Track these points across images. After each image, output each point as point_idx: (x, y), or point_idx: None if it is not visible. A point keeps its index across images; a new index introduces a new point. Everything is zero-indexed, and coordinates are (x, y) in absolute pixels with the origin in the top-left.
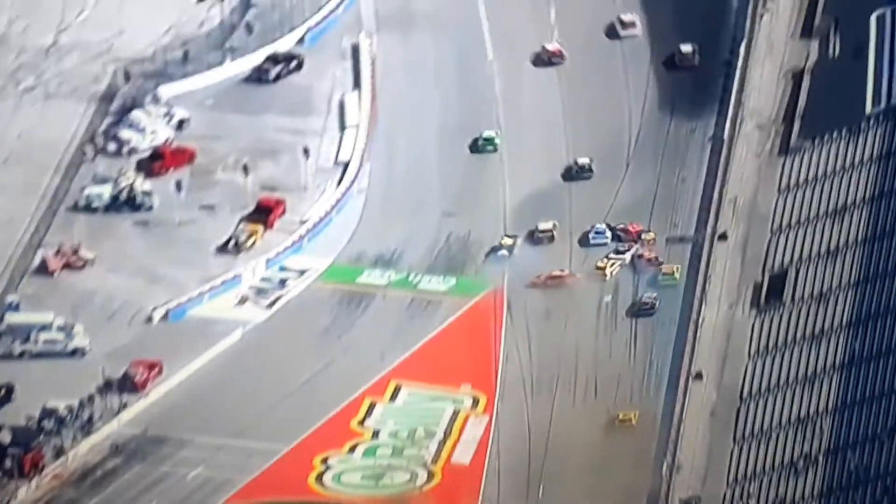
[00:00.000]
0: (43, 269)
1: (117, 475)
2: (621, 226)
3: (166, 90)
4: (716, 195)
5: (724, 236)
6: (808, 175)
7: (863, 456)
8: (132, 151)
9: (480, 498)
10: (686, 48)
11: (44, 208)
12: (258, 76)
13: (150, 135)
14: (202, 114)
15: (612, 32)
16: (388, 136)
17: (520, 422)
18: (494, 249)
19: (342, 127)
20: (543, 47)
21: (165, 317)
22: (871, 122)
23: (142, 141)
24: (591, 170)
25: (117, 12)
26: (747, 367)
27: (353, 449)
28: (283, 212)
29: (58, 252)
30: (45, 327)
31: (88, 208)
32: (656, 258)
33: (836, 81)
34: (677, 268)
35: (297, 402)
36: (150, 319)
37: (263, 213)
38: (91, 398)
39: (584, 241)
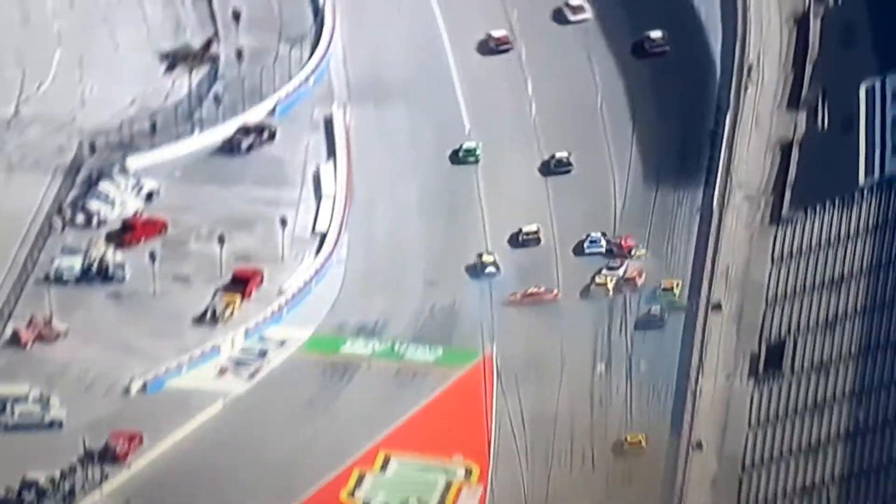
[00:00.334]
0: (15, 341)
1: None
2: (615, 240)
3: (134, 161)
4: (707, 265)
5: (718, 306)
6: (801, 246)
7: None
8: (101, 223)
9: None
10: (655, 34)
11: (12, 280)
12: (229, 147)
13: (120, 206)
14: (172, 185)
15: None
16: (366, 206)
17: (516, 492)
18: (479, 268)
19: (318, 197)
20: (489, 35)
21: (143, 388)
22: (865, 193)
23: (111, 212)
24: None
25: (78, 84)
26: (748, 436)
27: None
28: (261, 282)
29: (29, 324)
30: (19, 399)
31: (59, 280)
32: (634, 280)
33: (826, 153)
34: (678, 283)
35: (283, 473)
36: (127, 391)
37: (240, 284)
38: (72, 469)
39: (578, 251)
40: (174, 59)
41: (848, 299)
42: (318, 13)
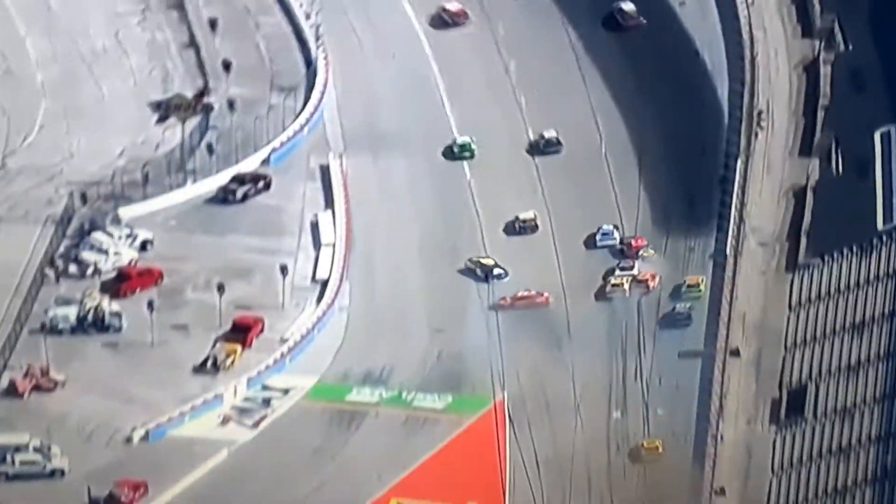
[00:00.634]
0: (12, 391)
1: None
2: (625, 239)
3: (127, 212)
4: (724, 312)
5: (736, 352)
6: (820, 292)
7: None
8: (96, 273)
9: None
10: (627, 6)
11: (6, 331)
12: (224, 196)
13: (114, 256)
14: (166, 235)
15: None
16: (366, 254)
17: None
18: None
19: (317, 246)
20: (443, 7)
21: (146, 437)
22: (885, 238)
23: (105, 263)
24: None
25: (65, 135)
26: (771, 482)
27: None
28: (262, 330)
29: (26, 374)
30: (20, 448)
31: (54, 330)
32: (647, 282)
33: (842, 199)
34: (702, 279)
35: None
36: (129, 440)
37: (241, 332)
38: None
39: (590, 244)
40: (167, 109)
41: (870, 344)
42: (309, 63)
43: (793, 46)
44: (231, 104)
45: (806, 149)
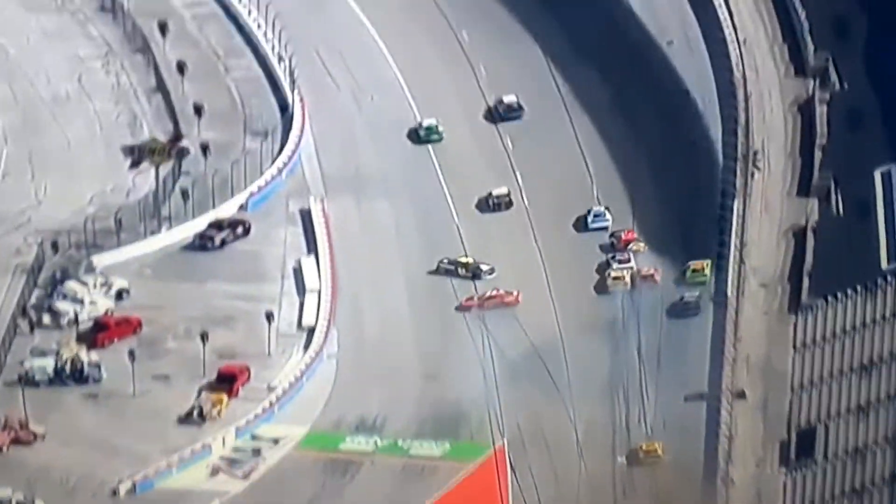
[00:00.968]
0: None
1: None
2: (615, 233)
3: (101, 260)
4: (727, 354)
5: (742, 394)
6: (825, 332)
7: None
8: (71, 323)
9: None
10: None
11: None
12: (202, 243)
13: (90, 305)
14: (143, 283)
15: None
16: (353, 300)
17: None
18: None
19: (301, 292)
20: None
21: (133, 489)
22: (889, 277)
23: (80, 312)
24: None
25: (31, 182)
26: None
27: None
28: (248, 379)
29: (4, 426)
30: (3, 503)
31: (31, 382)
32: (652, 275)
33: (843, 238)
34: (707, 263)
35: None
36: (115, 493)
37: (226, 382)
38: None
39: (581, 227)
40: (140, 154)
41: (879, 384)
42: (284, 106)
43: (786, 86)
44: (205, 149)
45: (804, 189)
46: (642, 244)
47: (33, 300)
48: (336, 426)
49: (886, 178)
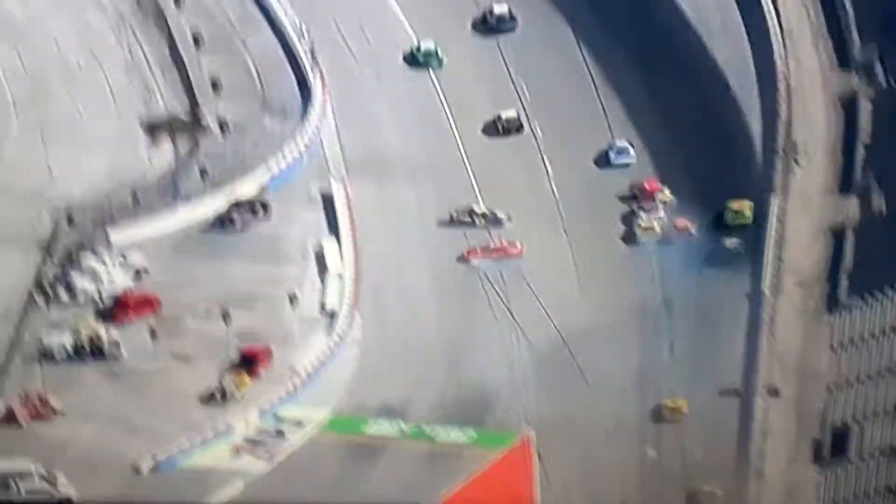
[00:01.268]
0: (10, 418)
1: None
2: (635, 182)
3: (118, 236)
4: (762, 352)
5: (776, 392)
6: (863, 333)
7: None
8: (88, 300)
9: None
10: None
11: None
12: (222, 223)
13: (108, 282)
14: (161, 262)
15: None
16: (375, 284)
17: None
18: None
19: (322, 275)
20: None
21: (155, 467)
22: None
23: (98, 289)
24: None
25: (43, 155)
26: None
27: None
28: (270, 361)
29: (25, 401)
30: (24, 476)
31: (48, 357)
32: (687, 227)
33: (884, 238)
34: (747, 204)
35: None
36: (137, 470)
37: (249, 363)
38: None
39: (602, 163)
40: (158, 130)
41: None
42: (303, 83)
43: (829, 79)
44: (222, 126)
45: (845, 187)
46: (668, 194)
47: (49, 275)
48: (360, 410)
49: None
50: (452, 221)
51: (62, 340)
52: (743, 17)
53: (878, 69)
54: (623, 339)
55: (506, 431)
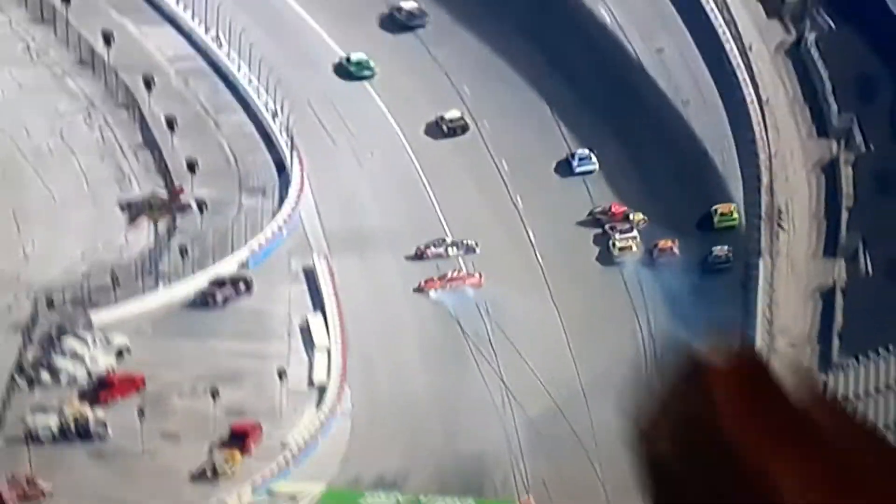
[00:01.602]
0: None
1: None
2: (599, 209)
3: (99, 317)
4: None
5: None
6: (856, 391)
7: None
8: (72, 381)
9: None
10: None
11: None
12: (203, 300)
13: (90, 363)
14: (143, 340)
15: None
16: (363, 357)
17: None
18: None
19: (308, 349)
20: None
21: None
22: None
23: (80, 369)
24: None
25: (17, 239)
26: None
27: None
28: (260, 436)
29: (12, 483)
30: None
31: (34, 439)
32: (671, 247)
33: (873, 299)
34: (734, 206)
35: None
36: None
37: (238, 439)
38: None
39: (565, 171)
40: (138, 210)
41: None
42: (280, 162)
43: (808, 147)
44: (201, 205)
45: (831, 249)
46: (641, 215)
47: (30, 357)
48: (355, 482)
49: None
50: (420, 257)
51: (47, 422)
52: (718, 87)
53: (857, 135)
54: (616, 392)
55: (505, 499)
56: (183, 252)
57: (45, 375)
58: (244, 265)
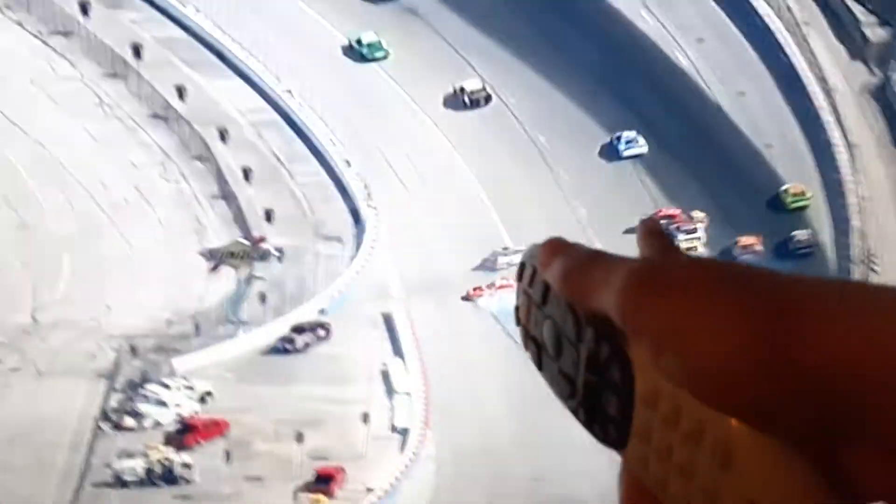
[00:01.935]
0: None
1: None
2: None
3: (181, 363)
4: None
5: None
6: None
7: None
8: (155, 425)
9: None
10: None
11: (72, 486)
12: (283, 347)
13: (175, 408)
14: (226, 386)
15: None
16: (445, 401)
17: None
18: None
19: (389, 394)
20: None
21: None
22: None
23: (164, 414)
24: None
25: (98, 289)
26: None
27: None
28: (344, 480)
29: None
30: None
31: (120, 483)
32: (752, 245)
33: None
34: (804, 187)
35: None
36: None
37: (324, 482)
38: None
39: (610, 154)
40: (220, 259)
41: None
42: (354, 210)
43: None
44: (279, 253)
45: None
46: (701, 213)
47: (114, 403)
48: None
49: None
50: (486, 267)
51: (133, 466)
52: (802, 130)
53: None
54: None
55: None
56: (262, 299)
57: (129, 421)
58: (323, 311)
